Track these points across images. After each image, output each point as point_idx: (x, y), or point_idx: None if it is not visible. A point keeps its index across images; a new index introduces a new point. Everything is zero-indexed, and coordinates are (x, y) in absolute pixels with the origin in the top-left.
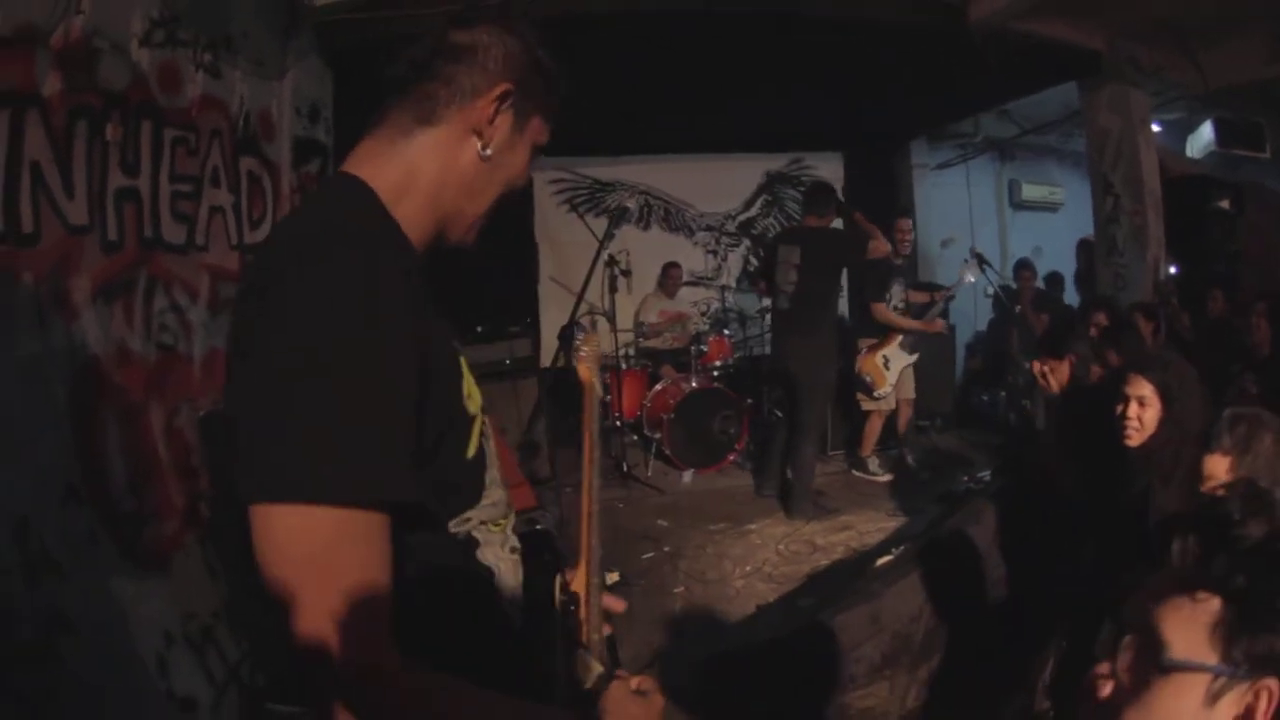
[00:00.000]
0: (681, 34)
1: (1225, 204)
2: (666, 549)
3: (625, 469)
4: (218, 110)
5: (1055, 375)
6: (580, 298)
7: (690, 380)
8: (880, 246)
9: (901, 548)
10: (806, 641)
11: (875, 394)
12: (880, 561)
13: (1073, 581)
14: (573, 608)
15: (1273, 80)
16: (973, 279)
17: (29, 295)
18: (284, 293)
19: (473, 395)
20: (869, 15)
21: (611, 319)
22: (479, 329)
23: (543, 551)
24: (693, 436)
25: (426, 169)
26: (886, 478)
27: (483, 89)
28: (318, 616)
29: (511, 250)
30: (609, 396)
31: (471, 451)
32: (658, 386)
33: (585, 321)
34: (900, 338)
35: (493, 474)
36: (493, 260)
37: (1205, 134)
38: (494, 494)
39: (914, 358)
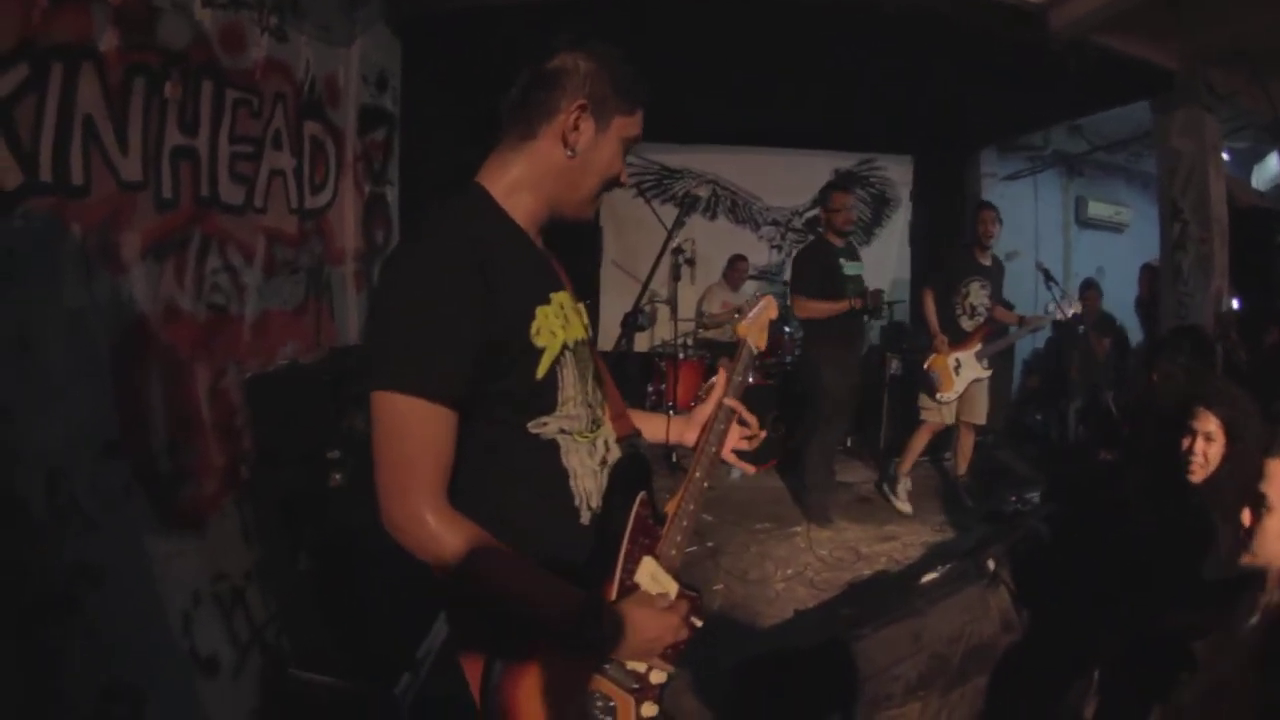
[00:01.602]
0: (760, 22)
1: None
2: (710, 544)
3: (674, 459)
4: (282, 74)
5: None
6: (646, 285)
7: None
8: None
9: (948, 565)
10: (844, 653)
11: (938, 396)
12: (926, 578)
13: (1120, 612)
14: (651, 521)
15: None
16: (1063, 317)
17: (76, 247)
18: (396, 258)
19: (550, 332)
20: (949, 15)
21: (673, 307)
22: None
23: (632, 470)
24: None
25: (531, 172)
26: (907, 509)
27: (563, 106)
28: (385, 471)
29: (575, 231)
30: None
31: (541, 374)
32: (713, 379)
33: (648, 309)
34: (979, 345)
35: (568, 394)
36: (556, 240)
37: (1271, 165)
38: (571, 409)
39: (988, 373)
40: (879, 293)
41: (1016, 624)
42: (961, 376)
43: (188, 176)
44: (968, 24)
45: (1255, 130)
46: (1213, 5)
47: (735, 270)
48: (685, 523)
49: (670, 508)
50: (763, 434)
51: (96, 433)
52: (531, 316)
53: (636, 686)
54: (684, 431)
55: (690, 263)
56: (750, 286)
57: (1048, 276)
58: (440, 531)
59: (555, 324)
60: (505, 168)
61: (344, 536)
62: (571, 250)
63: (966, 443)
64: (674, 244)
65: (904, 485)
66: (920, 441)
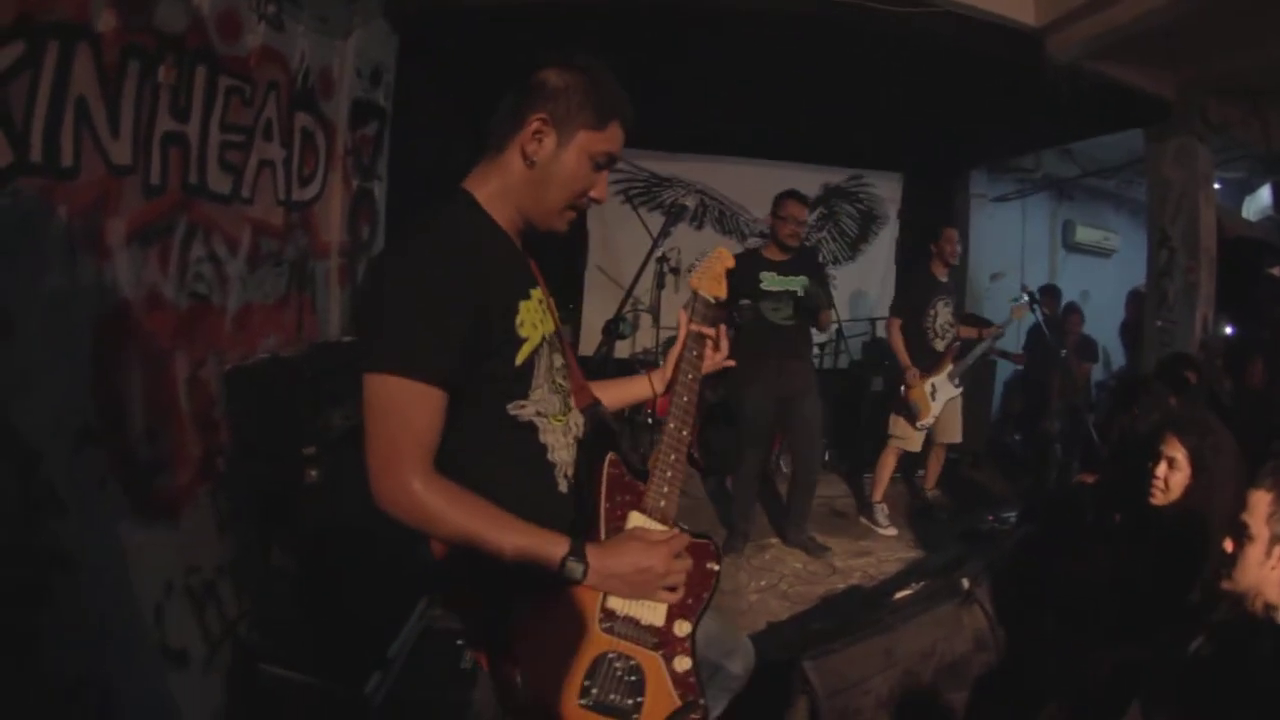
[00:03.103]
0: (752, 36)
1: (1276, 271)
2: None
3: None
4: (277, 63)
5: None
6: (630, 291)
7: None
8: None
9: (922, 583)
10: (816, 667)
11: (919, 424)
12: (900, 594)
13: (1089, 632)
14: (629, 478)
15: None
16: (1017, 320)
17: (62, 229)
18: (392, 249)
19: (532, 324)
20: (945, 36)
21: (656, 315)
22: None
23: (596, 434)
24: (722, 442)
25: (502, 183)
26: (891, 532)
27: (527, 118)
28: (376, 447)
29: (560, 235)
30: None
31: (520, 361)
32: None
33: (629, 316)
34: (950, 366)
35: (540, 380)
36: (539, 244)
37: (1263, 197)
38: (541, 395)
39: (959, 390)
40: (746, 306)
41: (990, 643)
42: (938, 400)
43: (176, 163)
44: (963, 45)
45: (1250, 161)
46: (1215, 36)
47: None
48: (670, 473)
49: (651, 461)
50: (725, 331)
51: (73, 418)
52: (516, 310)
53: (656, 641)
54: (664, 374)
55: (674, 271)
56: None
57: (1032, 300)
58: (426, 496)
59: (535, 317)
60: (485, 178)
61: (318, 533)
62: (555, 253)
63: (938, 461)
64: (659, 252)
65: (881, 511)
66: (889, 466)
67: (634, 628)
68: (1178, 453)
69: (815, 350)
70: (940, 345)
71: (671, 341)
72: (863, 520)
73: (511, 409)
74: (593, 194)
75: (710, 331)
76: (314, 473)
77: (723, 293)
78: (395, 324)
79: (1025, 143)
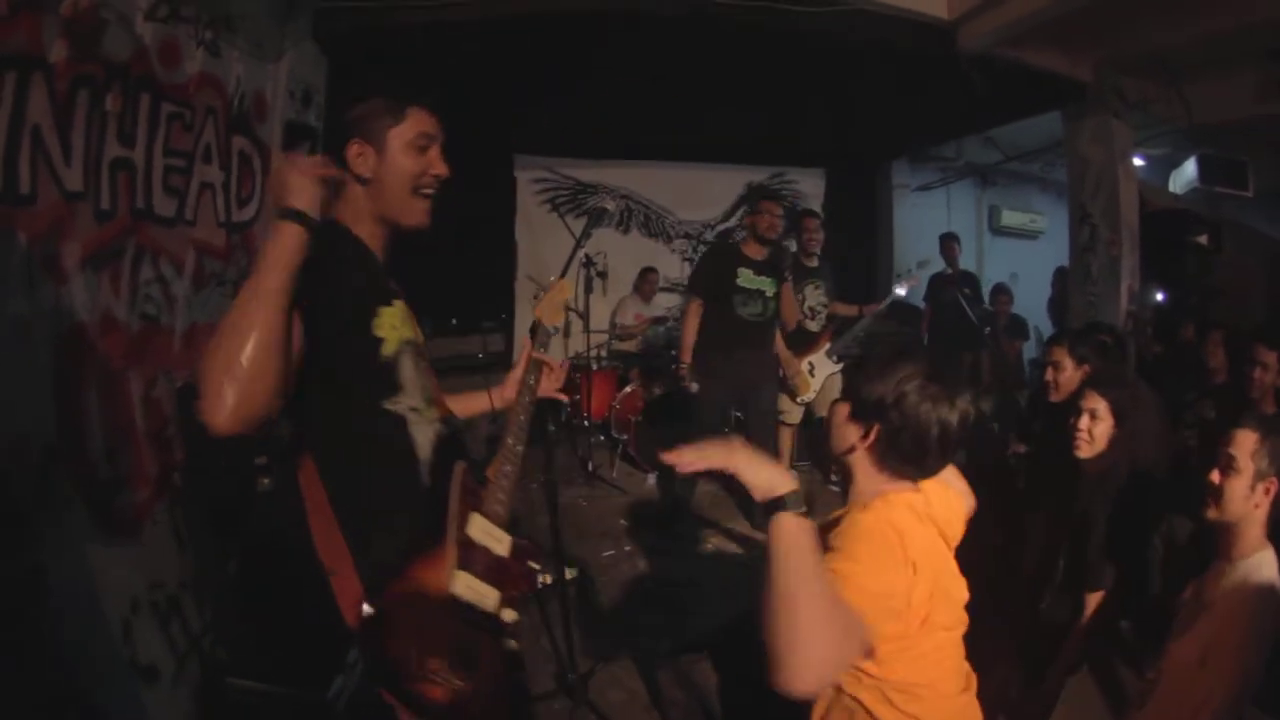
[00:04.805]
0: (670, 41)
1: (1203, 239)
2: (627, 548)
3: (591, 468)
4: (214, 88)
5: (1064, 377)
6: None
7: (659, 384)
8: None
9: None
10: (756, 643)
11: (799, 399)
12: None
13: (1013, 596)
14: (475, 483)
15: (1259, 119)
16: (903, 292)
17: (21, 256)
18: None
19: (391, 326)
20: (859, 34)
21: (585, 319)
22: (453, 321)
23: (450, 444)
24: (659, 440)
25: (353, 207)
26: None
27: (346, 150)
28: None
29: (490, 246)
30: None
31: (384, 357)
32: (627, 389)
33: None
34: (827, 344)
35: (407, 379)
36: (470, 255)
37: (1189, 170)
38: (413, 393)
39: (839, 366)
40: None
41: None
42: (817, 377)
43: (124, 188)
44: (875, 41)
45: (1173, 137)
46: (1133, 16)
47: (646, 282)
48: (505, 482)
49: (490, 471)
50: (565, 365)
51: (38, 440)
52: (375, 313)
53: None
54: (503, 393)
55: (602, 275)
56: (661, 298)
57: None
58: None
59: (395, 321)
60: (340, 213)
61: (272, 541)
62: (487, 265)
63: None
64: (582, 254)
65: None
66: (786, 441)
67: (474, 612)
68: (1098, 404)
69: None
70: (813, 325)
71: (611, 350)
72: None
73: (387, 404)
74: (433, 171)
75: (550, 361)
76: (266, 480)
77: (561, 320)
78: None
79: (945, 131)
